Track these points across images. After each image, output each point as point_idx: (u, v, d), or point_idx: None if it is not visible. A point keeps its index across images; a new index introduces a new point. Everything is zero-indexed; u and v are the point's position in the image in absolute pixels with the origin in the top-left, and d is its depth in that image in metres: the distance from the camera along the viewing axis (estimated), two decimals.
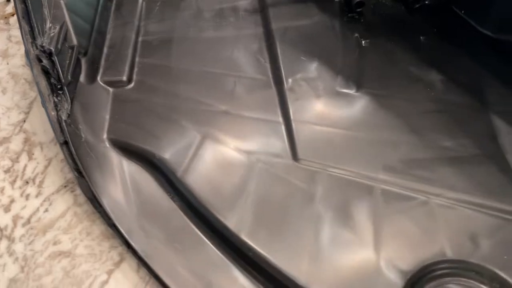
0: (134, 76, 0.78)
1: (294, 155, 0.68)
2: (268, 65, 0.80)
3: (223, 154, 0.69)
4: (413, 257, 0.58)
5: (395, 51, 0.81)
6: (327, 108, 0.74)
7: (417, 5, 0.85)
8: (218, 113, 0.74)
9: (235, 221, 0.61)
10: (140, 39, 0.84)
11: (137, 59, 0.81)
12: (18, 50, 0.90)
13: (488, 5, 0.81)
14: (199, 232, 0.63)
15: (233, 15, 0.89)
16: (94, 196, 0.64)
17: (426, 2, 0.87)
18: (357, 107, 0.73)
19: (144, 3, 0.91)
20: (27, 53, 0.71)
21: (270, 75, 0.78)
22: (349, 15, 0.86)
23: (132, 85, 0.77)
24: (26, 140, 0.77)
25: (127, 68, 0.79)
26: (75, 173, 0.66)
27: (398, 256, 0.58)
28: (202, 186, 0.65)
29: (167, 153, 0.68)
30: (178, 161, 0.67)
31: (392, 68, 0.78)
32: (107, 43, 0.82)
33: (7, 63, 0.88)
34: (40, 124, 0.79)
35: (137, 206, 0.64)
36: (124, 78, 0.77)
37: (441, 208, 0.62)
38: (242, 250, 0.60)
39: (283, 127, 0.71)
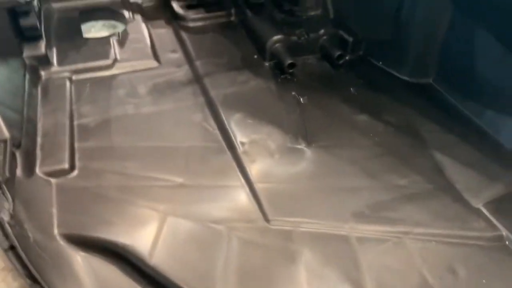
0: (77, 163, 0.73)
1: (265, 217, 0.66)
2: (217, 132, 0.79)
3: (190, 229, 0.65)
4: None
5: (332, 103, 0.86)
6: (284, 165, 0.74)
7: (341, 61, 0.92)
8: (175, 187, 0.70)
9: None
10: (75, 123, 0.79)
11: (76, 144, 0.75)
12: None
13: (400, 55, 0.91)
14: None
15: (169, 88, 0.88)
16: None
17: (347, 58, 0.95)
18: (311, 160, 0.75)
19: (72, 86, 0.87)
20: None
21: (222, 141, 0.77)
22: (282, 76, 0.91)
23: (75, 172, 0.71)
24: None
25: (67, 155, 0.73)
26: (27, 280, 0.58)
27: None
28: (175, 266, 0.60)
29: (129, 239, 0.62)
30: (142, 245, 0.62)
31: (333, 120, 0.83)
32: (39, 132, 0.76)
33: None
34: None
35: None
36: (66, 166, 0.71)
37: (414, 244, 0.64)
38: None
39: (247, 190, 0.70)
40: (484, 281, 0.60)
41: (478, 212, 0.68)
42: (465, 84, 0.82)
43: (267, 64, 0.94)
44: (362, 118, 0.83)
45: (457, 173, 0.74)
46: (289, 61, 0.89)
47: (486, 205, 0.69)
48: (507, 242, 0.64)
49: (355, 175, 0.73)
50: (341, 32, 0.96)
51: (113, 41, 0.97)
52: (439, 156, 0.76)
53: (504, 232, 0.66)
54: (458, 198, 0.70)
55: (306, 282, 0.60)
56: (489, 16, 0.72)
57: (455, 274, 0.61)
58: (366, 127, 0.82)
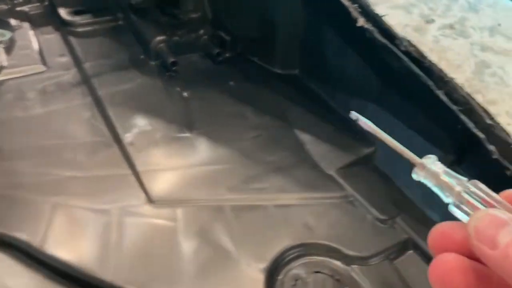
0: None
1: (150, 199, 0.75)
2: (104, 128, 0.86)
3: (81, 216, 0.72)
4: (266, 253, 0.70)
5: (213, 96, 0.97)
6: (168, 153, 0.83)
7: (220, 58, 1.03)
8: (65, 179, 0.76)
9: (111, 273, 0.65)
10: None
11: None
12: None
13: (271, 51, 1.04)
14: None
15: (58, 90, 0.93)
16: None
17: (227, 55, 1.06)
18: (193, 147, 0.85)
19: None
20: None
21: (110, 135, 0.84)
22: (167, 74, 0.99)
23: None
24: None
25: None
26: None
27: (255, 256, 0.69)
28: (70, 251, 0.67)
29: (22, 231, 0.68)
30: (35, 235, 0.67)
31: (214, 110, 0.93)
32: None
33: None
34: None
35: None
36: None
37: (278, 208, 0.76)
38: None
39: (133, 178, 0.78)
40: (331, 231, 0.74)
41: (331, 178, 0.82)
42: (320, 73, 0.97)
43: (153, 63, 1.02)
44: (239, 107, 0.94)
45: (315, 147, 0.88)
46: (172, 60, 0.98)
47: (337, 171, 0.83)
48: (351, 199, 0.79)
49: (231, 156, 0.84)
50: (220, 32, 1.06)
51: None
52: (301, 134, 0.90)
53: (350, 191, 0.80)
54: (315, 167, 0.84)
55: (188, 248, 0.69)
56: (330, 18, 0.86)
57: (308, 229, 0.74)
58: (242, 114, 0.93)
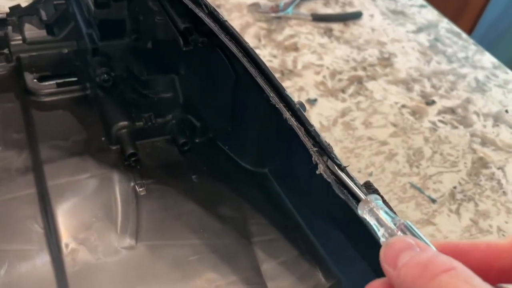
0: None
1: None
2: (43, 231, 0.79)
3: None
4: None
5: (171, 194, 0.89)
6: (107, 272, 0.75)
7: (186, 148, 0.96)
8: None
9: None
10: None
11: None
12: None
13: (244, 141, 0.96)
14: None
15: (5, 177, 0.86)
16: None
17: (197, 141, 0.99)
18: (133, 263, 0.77)
19: None
20: None
21: (46, 243, 0.77)
22: (126, 163, 0.92)
23: None
24: None
25: None
26: None
27: None
28: None
29: None
30: None
31: (168, 214, 0.85)
32: None
33: None
34: None
35: None
36: None
37: None
38: None
39: None
40: None
41: None
42: (288, 179, 0.88)
43: (113, 148, 0.95)
44: (196, 211, 0.86)
45: (272, 271, 0.79)
46: (130, 151, 0.90)
47: None
48: None
49: (172, 279, 0.76)
50: (190, 117, 0.99)
51: None
52: (260, 253, 0.82)
53: None
54: None
55: None
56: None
57: None
58: (198, 221, 0.85)
